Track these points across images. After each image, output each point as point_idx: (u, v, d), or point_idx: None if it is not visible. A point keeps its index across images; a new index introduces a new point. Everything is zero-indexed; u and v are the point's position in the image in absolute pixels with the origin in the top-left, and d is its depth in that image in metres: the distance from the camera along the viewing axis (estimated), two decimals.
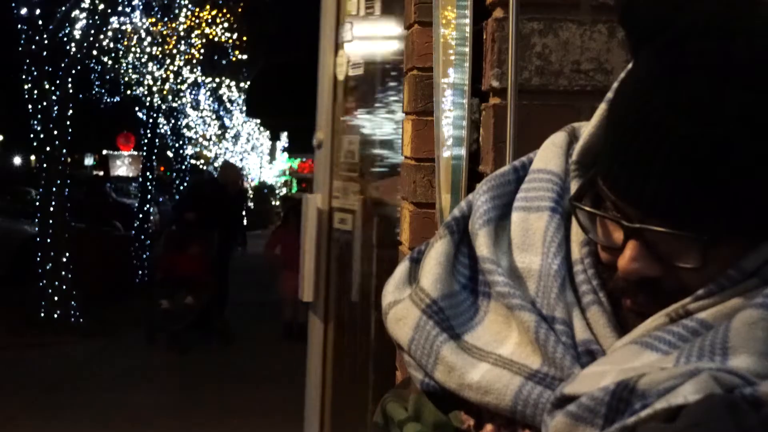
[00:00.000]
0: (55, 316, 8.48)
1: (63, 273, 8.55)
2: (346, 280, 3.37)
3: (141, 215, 12.83)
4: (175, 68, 14.06)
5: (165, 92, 13.81)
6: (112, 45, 11.32)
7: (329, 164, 3.11)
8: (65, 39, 8.57)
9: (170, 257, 8.23)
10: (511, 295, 0.80)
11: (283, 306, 8.61)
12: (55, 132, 8.42)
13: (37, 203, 9.02)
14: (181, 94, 15.41)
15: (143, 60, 13.21)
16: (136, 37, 12.50)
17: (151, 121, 13.87)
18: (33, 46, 8.30)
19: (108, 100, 15.15)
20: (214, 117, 20.08)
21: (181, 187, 15.49)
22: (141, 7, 11.87)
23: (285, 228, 9.00)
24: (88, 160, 32.77)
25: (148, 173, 13.44)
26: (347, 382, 3.41)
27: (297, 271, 5.50)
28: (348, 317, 3.37)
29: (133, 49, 12.70)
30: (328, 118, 3.09)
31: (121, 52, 12.49)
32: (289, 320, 8.42)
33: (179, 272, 7.93)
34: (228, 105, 20.49)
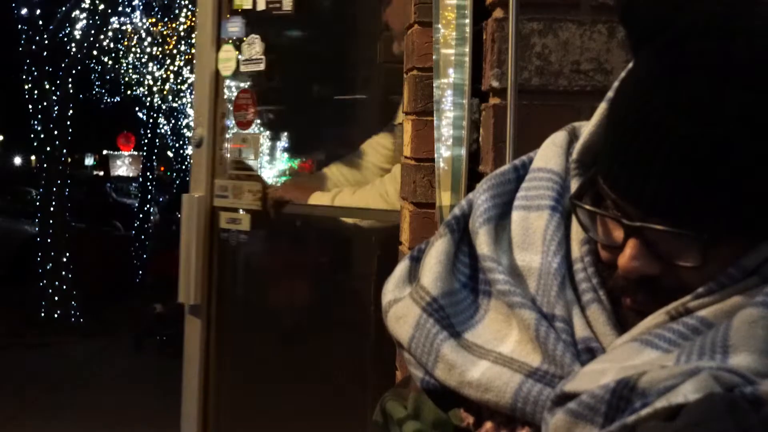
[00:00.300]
0: (55, 316, 8.49)
1: (63, 273, 8.55)
2: (234, 282, 3.30)
3: (141, 215, 12.84)
4: (175, 68, 14.06)
5: (165, 92, 13.82)
6: (112, 45, 11.32)
7: (210, 162, 2.99)
8: (65, 39, 8.58)
9: (162, 257, 7.85)
10: (512, 293, 0.80)
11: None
12: (55, 132, 8.43)
13: (37, 203, 9.02)
14: (181, 94, 15.41)
15: (143, 60, 13.21)
16: (136, 37, 12.51)
17: (151, 121, 13.86)
18: (33, 46, 8.31)
19: (108, 100, 15.16)
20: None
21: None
22: (141, 7, 11.87)
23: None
24: (88, 160, 32.75)
25: (148, 173, 13.44)
26: (234, 387, 3.34)
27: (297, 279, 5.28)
28: (233, 320, 3.31)
29: (133, 49, 12.70)
30: (208, 114, 2.98)
31: (121, 52, 12.49)
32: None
33: (172, 273, 7.58)
34: (227, 105, 20.45)
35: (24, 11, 8.29)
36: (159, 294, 7.49)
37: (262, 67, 2.91)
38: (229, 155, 3.05)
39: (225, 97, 3.07)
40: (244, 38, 2.96)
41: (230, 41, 2.97)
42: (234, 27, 2.95)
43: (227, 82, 3.09)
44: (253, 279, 3.88)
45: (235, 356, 3.53)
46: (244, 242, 3.07)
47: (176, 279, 5.89)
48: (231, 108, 3.06)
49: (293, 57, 3.41)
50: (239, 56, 2.93)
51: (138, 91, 13.58)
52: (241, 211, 2.98)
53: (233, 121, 3.06)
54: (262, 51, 2.90)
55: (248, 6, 2.86)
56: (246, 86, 3.03)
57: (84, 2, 8.57)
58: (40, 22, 8.33)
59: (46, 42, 8.34)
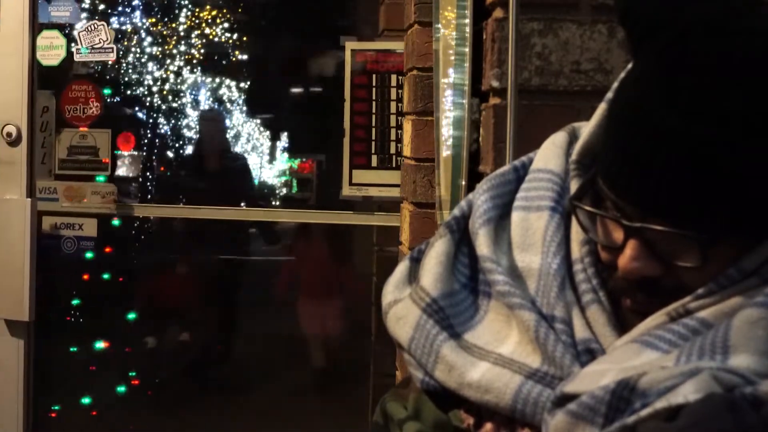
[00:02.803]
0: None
1: None
2: (71, 291, 3.08)
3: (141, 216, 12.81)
4: (175, 68, 14.06)
5: (165, 92, 13.80)
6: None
7: (29, 162, 2.64)
8: None
9: (159, 278, 6.00)
10: (511, 294, 0.80)
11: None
12: None
13: None
14: (181, 94, 15.39)
15: (143, 60, 13.21)
16: (136, 37, 12.50)
17: (151, 121, 13.87)
18: None
19: (108, 100, 15.14)
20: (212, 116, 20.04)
21: None
22: (141, 7, 11.86)
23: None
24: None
25: (148, 173, 13.42)
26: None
27: (316, 300, 5.17)
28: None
29: (133, 49, 12.69)
30: (26, 109, 2.63)
31: (120, 52, 12.48)
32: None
33: (167, 299, 5.68)
34: (228, 105, 20.49)
35: None
36: (150, 324, 5.71)
37: (111, 57, 2.68)
38: (57, 153, 2.74)
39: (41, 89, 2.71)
40: (68, 23, 2.68)
41: (53, 27, 2.67)
42: (60, 11, 2.66)
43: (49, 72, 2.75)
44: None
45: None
46: (85, 248, 2.76)
47: (175, 307, 5.21)
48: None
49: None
50: (74, 44, 2.65)
51: (138, 91, 13.59)
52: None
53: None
54: (110, 39, 2.66)
55: None
56: (80, 77, 2.73)
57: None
58: None
59: None
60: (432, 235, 0.91)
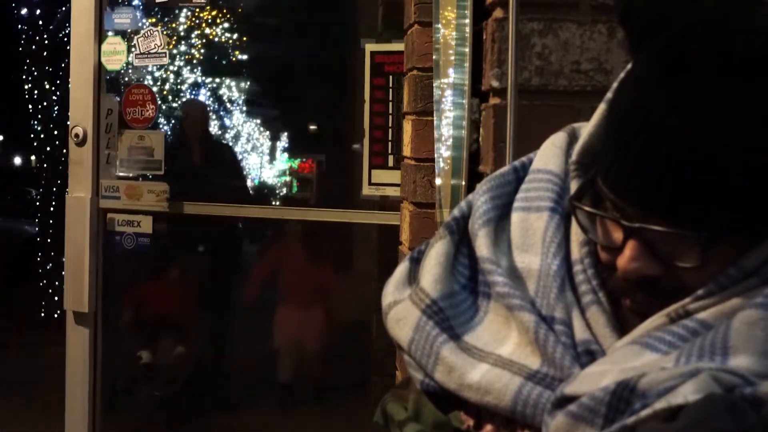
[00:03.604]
0: (55, 316, 8.48)
1: (63, 273, 8.55)
2: (127, 285, 3.19)
3: None
4: (175, 68, 14.06)
5: (165, 92, 13.81)
6: None
7: (96, 161, 2.84)
8: (65, 39, 8.57)
9: (144, 287, 5.29)
10: (511, 295, 0.80)
11: (278, 363, 5.35)
12: (55, 132, 8.42)
13: (37, 203, 9.01)
14: (181, 94, 15.40)
15: (191, 64, 13.22)
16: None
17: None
18: (33, 46, 8.31)
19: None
20: (214, 117, 20.07)
21: None
22: (141, 7, 11.86)
23: (279, 245, 5.69)
24: None
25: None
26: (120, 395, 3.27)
27: (298, 308, 5.10)
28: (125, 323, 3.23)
29: (132, 49, 12.69)
30: (92, 111, 2.82)
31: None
32: (287, 382, 5.32)
33: (160, 309, 5.03)
34: (228, 105, 20.49)
35: (24, 11, 8.29)
36: (144, 338, 5.08)
37: (164, 61, 2.84)
38: (120, 154, 2.87)
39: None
40: (129, 30, 2.82)
41: (116, 33, 2.81)
42: (122, 18, 2.80)
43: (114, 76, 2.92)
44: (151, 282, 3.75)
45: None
46: (143, 245, 2.91)
47: (169, 317, 5.01)
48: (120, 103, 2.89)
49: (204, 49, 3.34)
50: (133, 50, 2.78)
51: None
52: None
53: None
54: (163, 44, 2.79)
55: None
56: (141, 81, 2.95)
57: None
58: (40, 22, 8.32)
59: (46, 42, 8.34)
60: (432, 236, 0.91)
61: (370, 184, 2.69)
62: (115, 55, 2.82)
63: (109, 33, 2.87)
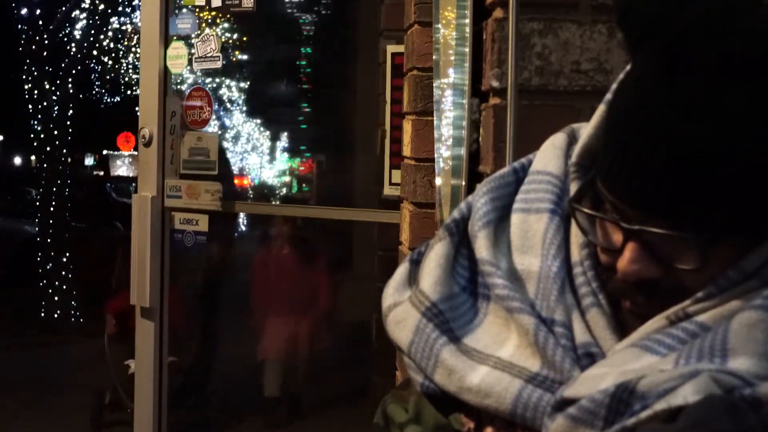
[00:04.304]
0: (55, 316, 8.48)
1: (63, 273, 8.55)
2: (189, 282, 3.27)
3: None
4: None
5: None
6: (112, 45, 11.32)
7: (161, 162, 2.96)
8: (65, 39, 8.58)
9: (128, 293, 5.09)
10: (511, 297, 0.80)
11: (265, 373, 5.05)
12: (55, 132, 8.42)
13: (37, 203, 9.01)
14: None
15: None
16: (136, 37, 12.51)
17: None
18: (33, 46, 8.31)
19: (108, 100, 15.17)
20: (214, 117, 20.07)
21: None
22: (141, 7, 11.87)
23: (268, 248, 5.29)
24: (88, 160, 32.70)
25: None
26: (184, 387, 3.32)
27: (285, 316, 4.93)
28: (187, 319, 3.29)
29: (133, 49, 12.71)
30: (158, 113, 2.94)
31: (121, 52, 12.50)
32: (274, 395, 5.02)
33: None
34: (228, 105, 20.51)
35: (24, 11, 8.29)
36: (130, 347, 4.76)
37: (218, 64, 2.88)
38: (181, 155, 2.98)
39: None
40: (193, 35, 2.91)
41: (179, 38, 2.91)
42: (184, 23, 2.89)
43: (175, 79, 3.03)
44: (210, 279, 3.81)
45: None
46: (200, 243, 3.02)
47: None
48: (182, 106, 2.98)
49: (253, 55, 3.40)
50: (192, 53, 2.88)
51: (138, 91, 13.62)
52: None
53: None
54: (218, 48, 2.86)
55: (201, 2, 2.82)
56: (199, 84, 3.05)
57: (84, 2, 8.56)
58: (40, 22, 8.32)
59: (46, 42, 8.34)
60: (432, 236, 0.91)
61: (390, 184, 2.70)
62: (178, 59, 2.92)
63: (173, 37, 2.98)
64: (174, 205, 2.96)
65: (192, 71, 3.15)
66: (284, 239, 5.04)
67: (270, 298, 4.95)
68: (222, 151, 5.70)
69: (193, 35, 2.94)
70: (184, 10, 2.92)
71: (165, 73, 2.94)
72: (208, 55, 2.89)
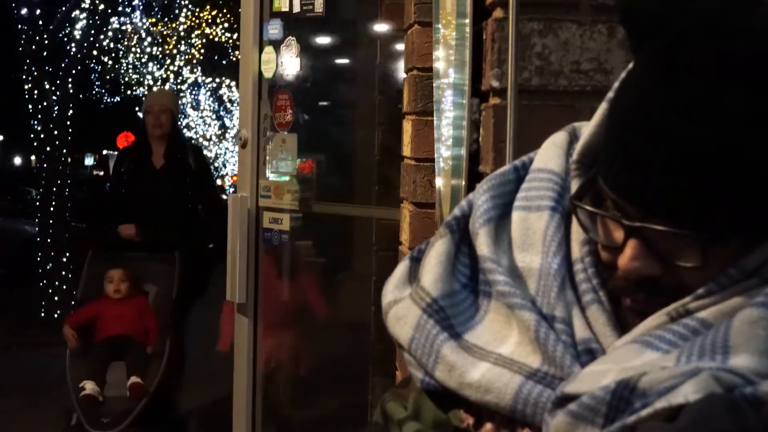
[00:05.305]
0: (55, 316, 8.48)
1: (63, 273, 8.55)
2: (277, 280, 3.36)
3: None
4: (175, 68, 14.07)
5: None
6: (112, 45, 11.34)
7: (255, 163, 3.09)
8: (65, 39, 8.58)
9: (94, 305, 4.33)
10: (512, 294, 0.80)
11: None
12: (55, 132, 8.42)
13: (37, 203, 9.01)
14: (181, 94, 15.42)
15: (143, 60, 13.23)
16: (136, 37, 12.53)
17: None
18: (33, 46, 8.31)
19: (108, 100, 15.19)
20: (214, 117, 20.10)
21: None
22: (141, 7, 11.88)
23: None
24: (88, 160, 32.71)
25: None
26: (281, 381, 3.41)
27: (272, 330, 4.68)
28: (279, 317, 3.37)
29: (133, 49, 12.72)
30: (253, 116, 3.07)
31: (121, 52, 12.52)
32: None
33: (111, 331, 4.20)
34: (228, 105, 20.53)
35: (24, 11, 8.29)
36: (91, 365, 4.22)
37: (298, 69, 2.99)
38: (271, 156, 3.11)
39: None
40: (281, 40, 3.00)
41: (270, 43, 3.03)
42: (274, 29, 3.01)
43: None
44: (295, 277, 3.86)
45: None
46: (284, 242, 3.16)
47: (123, 341, 4.15)
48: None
49: (324, 59, 3.43)
50: (278, 58, 2.99)
51: (138, 91, 13.61)
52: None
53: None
54: (297, 53, 2.97)
55: (285, 8, 2.92)
56: (283, 87, 3.09)
57: (84, 2, 8.57)
58: (40, 22, 8.32)
59: (46, 42, 8.34)
60: (432, 235, 0.91)
61: None
62: (269, 63, 3.03)
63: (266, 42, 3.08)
64: (265, 204, 3.09)
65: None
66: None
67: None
68: (202, 164, 4.92)
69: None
70: (274, 18, 3.04)
71: (260, 77, 3.05)
72: (292, 59, 2.99)
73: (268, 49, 3.02)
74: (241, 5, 3.08)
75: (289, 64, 2.99)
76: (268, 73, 3.03)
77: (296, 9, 2.90)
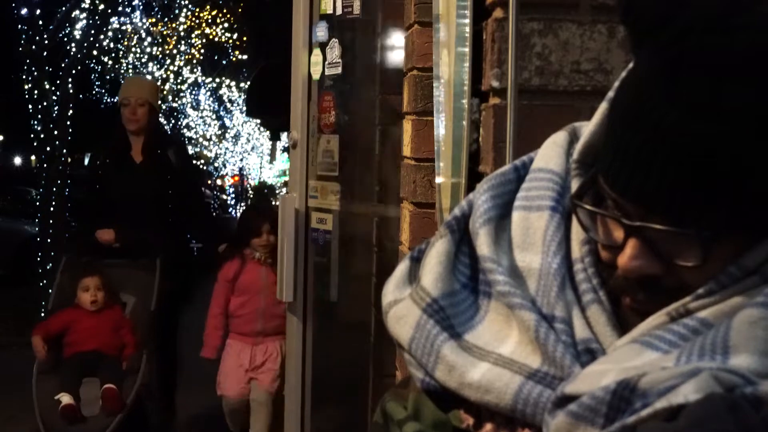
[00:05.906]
0: None
1: None
2: (323, 279, 3.42)
3: None
4: (175, 68, 14.07)
5: (165, 92, 13.81)
6: (112, 45, 11.33)
7: (305, 164, 3.13)
8: (65, 39, 8.58)
9: (66, 314, 4.01)
10: (512, 294, 0.80)
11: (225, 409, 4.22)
12: (55, 132, 8.42)
13: (37, 203, 9.01)
14: (181, 94, 15.42)
15: (143, 60, 13.23)
16: (136, 37, 12.53)
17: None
18: (33, 46, 8.30)
19: (108, 100, 15.18)
20: (214, 117, 20.10)
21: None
22: (141, 7, 11.88)
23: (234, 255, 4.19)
24: (88, 160, 32.68)
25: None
26: (327, 378, 3.46)
27: (251, 336, 4.23)
28: (325, 316, 3.42)
29: (133, 49, 12.72)
30: (302, 117, 3.10)
31: (121, 52, 12.51)
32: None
33: (83, 345, 3.90)
34: (228, 105, 20.52)
35: (24, 11, 8.29)
36: (67, 377, 3.88)
37: (339, 70, 3.00)
38: (317, 157, 3.14)
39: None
40: (326, 42, 3.04)
41: (317, 45, 3.06)
42: (321, 31, 3.05)
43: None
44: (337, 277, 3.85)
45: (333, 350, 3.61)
46: (328, 241, 3.19)
47: (99, 354, 3.82)
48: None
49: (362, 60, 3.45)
50: (324, 60, 3.02)
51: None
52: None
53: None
54: (339, 54, 2.99)
55: (330, 11, 2.96)
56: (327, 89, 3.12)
57: (84, 2, 8.57)
58: (40, 22, 8.32)
59: (46, 42, 8.33)
60: (432, 235, 0.91)
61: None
62: (317, 65, 3.05)
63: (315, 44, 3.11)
64: (313, 205, 3.13)
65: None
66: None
67: (238, 319, 4.18)
68: (185, 160, 4.52)
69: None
70: (321, 20, 3.07)
71: (309, 79, 3.08)
72: (333, 62, 3.01)
73: (316, 51, 3.05)
74: (293, 7, 3.09)
75: (332, 65, 3.02)
76: (315, 75, 3.06)
77: (338, 11, 2.93)
